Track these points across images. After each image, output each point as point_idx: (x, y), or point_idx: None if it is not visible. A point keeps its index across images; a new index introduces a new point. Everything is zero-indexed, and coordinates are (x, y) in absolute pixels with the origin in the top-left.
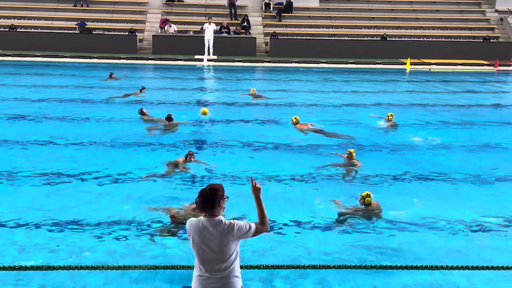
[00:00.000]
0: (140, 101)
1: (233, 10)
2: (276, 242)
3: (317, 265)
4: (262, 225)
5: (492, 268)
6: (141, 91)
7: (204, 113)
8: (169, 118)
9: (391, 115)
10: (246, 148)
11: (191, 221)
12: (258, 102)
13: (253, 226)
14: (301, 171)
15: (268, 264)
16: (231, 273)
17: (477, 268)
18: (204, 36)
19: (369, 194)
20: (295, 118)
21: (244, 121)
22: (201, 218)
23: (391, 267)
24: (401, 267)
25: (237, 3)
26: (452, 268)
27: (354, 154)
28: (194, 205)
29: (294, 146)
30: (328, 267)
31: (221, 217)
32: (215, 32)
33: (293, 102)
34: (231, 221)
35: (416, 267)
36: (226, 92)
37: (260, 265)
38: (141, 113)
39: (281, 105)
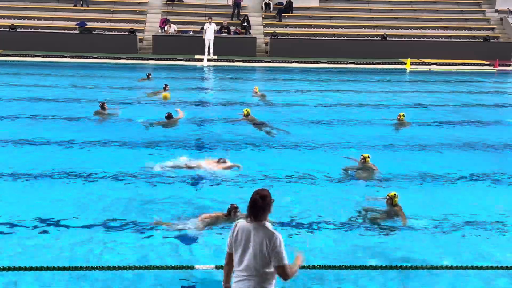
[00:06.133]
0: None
1: (236, 10)
2: (298, 242)
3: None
4: (288, 273)
5: None
6: (164, 89)
7: (165, 98)
8: (168, 117)
9: (403, 115)
10: (247, 148)
11: (239, 221)
12: (258, 102)
13: (284, 261)
14: (302, 172)
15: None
16: (261, 284)
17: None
18: (203, 37)
19: (396, 195)
20: (246, 110)
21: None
22: (249, 220)
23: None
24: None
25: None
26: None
27: (368, 159)
28: (214, 214)
29: (294, 146)
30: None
31: (267, 223)
32: (215, 32)
33: (294, 102)
34: (276, 234)
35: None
36: (226, 92)
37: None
38: (102, 107)
39: (281, 105)
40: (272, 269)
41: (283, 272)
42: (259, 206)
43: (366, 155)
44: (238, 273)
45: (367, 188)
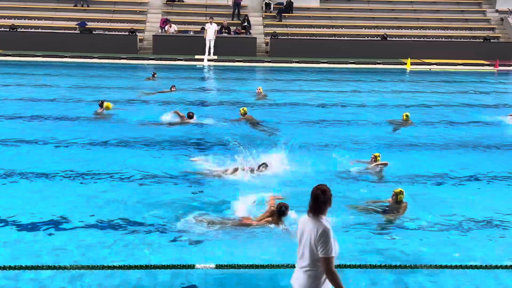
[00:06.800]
0: (170, 101)
1: (237, 10)
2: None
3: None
4: (331, 267)
5: None
6: (171, 90)
7: (108, 108)
8: (190, 116)
9: (406, 115)
10: (246, 147)
11: (302, 216)
12: (259, 102)
13: (329, 253)
14: (303, 172)
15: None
16: (313, 276)
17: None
18: (204, 36)
19: (402, 191)
20: (243, 109)
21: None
22: (309, 214)
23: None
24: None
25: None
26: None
27: (379, 158)
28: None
29: (297, 146)
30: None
31: (323, 217)
32: (216, 32)
33: (295, 102)
34: (325, 225)
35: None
36: (226, 92)
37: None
38: (101, 105)
39: (283, 105)
40: (317, 264)
41: (325, 264)
42: (321, 200)
43: (377, 154)
44: (296, 263)
45: (375, 188)
